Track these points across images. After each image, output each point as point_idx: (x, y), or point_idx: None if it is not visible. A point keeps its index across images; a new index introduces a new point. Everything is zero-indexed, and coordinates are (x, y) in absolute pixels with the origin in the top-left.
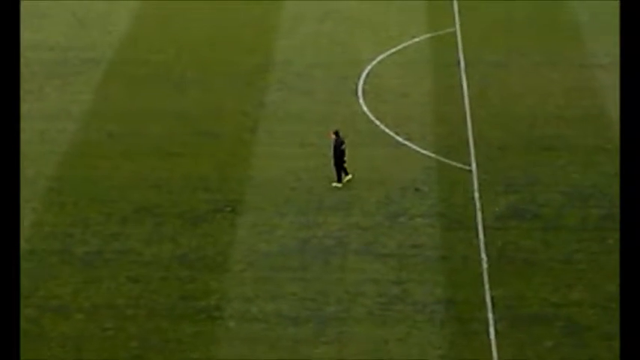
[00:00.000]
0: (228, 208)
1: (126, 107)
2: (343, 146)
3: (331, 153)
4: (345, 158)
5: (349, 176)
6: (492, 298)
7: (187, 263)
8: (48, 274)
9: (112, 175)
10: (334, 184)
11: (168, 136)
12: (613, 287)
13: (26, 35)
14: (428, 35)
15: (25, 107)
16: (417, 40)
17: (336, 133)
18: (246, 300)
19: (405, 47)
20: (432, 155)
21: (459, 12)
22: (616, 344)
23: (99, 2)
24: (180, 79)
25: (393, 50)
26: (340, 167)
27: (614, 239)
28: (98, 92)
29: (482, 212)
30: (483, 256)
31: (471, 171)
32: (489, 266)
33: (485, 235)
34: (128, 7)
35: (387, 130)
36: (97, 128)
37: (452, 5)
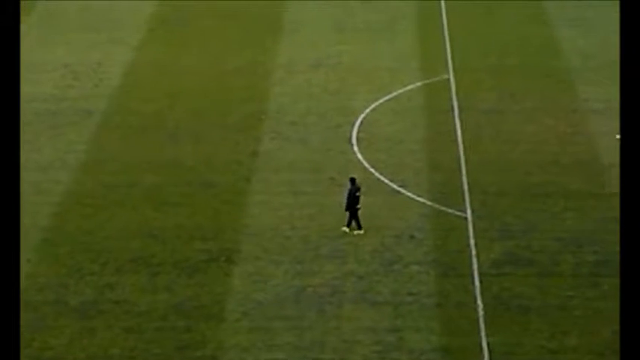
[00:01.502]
0: (223, 258)
1: (120, 157)
2: (358, 193)
3: (344, 200)
4: (359, 206)
5: (361, 231)
6: (489, 345)
7: (183, 313)
8: (43, 324)
9: (106, 225)
10: (343, 229)
11: (162, 185)
12: (608, 333)
13: (20, 87)
14: (421, 82)
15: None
16: (410, 87)
17: (352, 181)
18: (242, 349)
19: (398, 94)
20: (427, 202)
21: (452, 58)
22: None
23: (91, 54)
24: (174, 129)
25: (387, 97)
26: (352, 215)
27: (608, 285)
28: (92, 143)
29: (478, 259)
30: (479, 302)
31: (466, 218)
32: (485, 313)
33: (480, 281)
34: (120, 58)
35: (381, 178)
36: (91, 178)
37: (445, 52)
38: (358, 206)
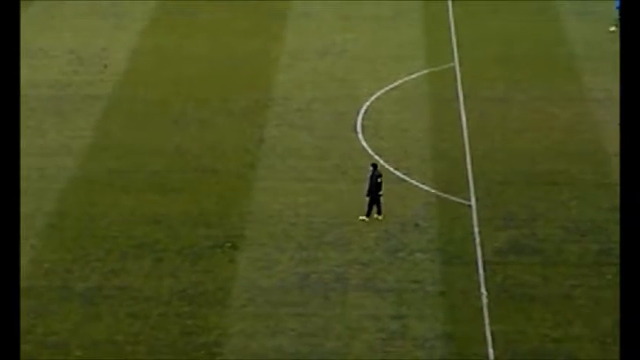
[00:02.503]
0: (229, 244)
1: (125, 143)
2: (380, 179)
3: (366, 185)
4: (381, 192)
5: (381, 217)
6: (492, 334)
7: (187, 299)
8: (47, 310)
9: (111, 211)
10: (361, 218)
11: (168, 172)
12: (611, 322)
13: (25, 72)
14: (426, 70)
15: (24, 143)
16: (415, 75)
17: (374, 166)
18: (246, 336)
19: (403, 82)
20: (432, 190)
21: (458, 47)
22: None
23: (97, 39)
24: (179, 116)
25: (392, 86)
26: (373, 200)
27: (612, 274)
28: (97, 128)
29: (482, 247)
30: (483, 290)
31: (470, 206)
32: (489, 301)
33: (485, 270)
34: (126, 44)
35: (386, 166)
36: (96, 164)
37: (450, 40)
38: (380, 192)
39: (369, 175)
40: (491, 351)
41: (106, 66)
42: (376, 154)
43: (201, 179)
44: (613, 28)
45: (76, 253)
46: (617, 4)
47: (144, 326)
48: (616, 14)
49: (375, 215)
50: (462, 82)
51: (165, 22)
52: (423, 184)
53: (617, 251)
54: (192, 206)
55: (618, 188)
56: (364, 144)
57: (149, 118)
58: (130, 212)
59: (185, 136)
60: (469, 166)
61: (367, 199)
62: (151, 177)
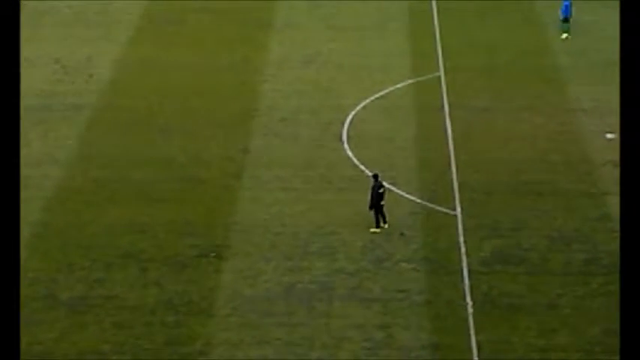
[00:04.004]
0: (213, 254)
1: (110, 153)
2: (382, 189)
3: (368, 197)
4: (383, 202)
5: (386, 225)
6: (478, 343)
7: (172, 308)
8: (32, 319)
9: (96, 221)
10: (372, 230)
11: (153, 181)
12: (597, 331)
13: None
14: (412, 80)
15: None
16: (401, 85)
17: (375, 177)
18: (231, 345)
19: (389, 92)
20: (417, 200)
21: (443, 57)
22: None
23: (82, 49)
24: (164, 125)
25: (378, 95)
26: (378, 211)
27: (597, 283)
28: (82, 138)
29: (467, 257)
30: (468, 300)
31: (455, 215)
32: (475, 311)
33: (470, 279)
34: (111, 54)
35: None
36: (81, 174)
37: (436, 50)
38: (382, 202)
39: (370, 186)
40: None
41: (91, 75)
42: (361, 163)
43: (187, 189)
44: (565, 36)
45: (61, 262)
46: (562, 13)
47: (129, 336)
48: (562, 24)
49: (382, 224)
50: (448, 92)
51: (150, 32)
52: (409, 193)
53: (603, 260)
54: (178, 216)
55: (603, 198)
56: (349, 153)
57: (134, 127)
58: (115, 222)
59: (170, 146)
60: (454, 176)
61: (371, 212)
62: (136, 186)
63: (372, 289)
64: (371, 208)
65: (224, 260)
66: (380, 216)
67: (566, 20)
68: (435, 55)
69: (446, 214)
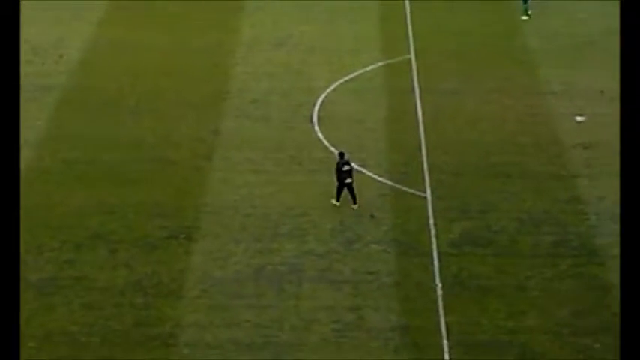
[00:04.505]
0: (183, 235)
1: (80, 134)
2: (347, 167)
3: (334, 175)
4: (350, 180)
5: (355, 206)
6: (447, 325)
7: (142, 290)
8: None
9: (66, 202)
10: (333, 202)
11: (123, 163)
12: (565, 313)
13: None
14: (382, 63)
15: None
16: (371, 67)
17: (341, 155)
18: (200, 327)
19: (359, 74)
20: (387, 182)
21: (414, 39)
22: None
23: (52, 29)
24: (134, 107)
25: (348, 77)
26: (342, 187)
27: (566, 265)
28: (52, 119)
29: (437, 238)
30: (438, 282)
31: (425, 197)
32: (444, 292)
33: (439, 261)
34: (82, 35)
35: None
36: (50, 155)
37: (406, 33)
38: (348, 180)
39: (336, 162)
40: (445, 342)
41: (61, 56)
42: (332, 145)
43: (157, 170)
44: (524, 17)
45: (30, 243)
46: None
47: (98, 317)
48: (522, 4)
49: (352, 206)
50: (418, 74)
51: (121, 14)
52: (379, 175)
53: (572, 243)
54: (148, 197)
55: (572, 180)
56: (320, 135)
57: (104, 108)
58: (84, 203)
59: (140, 127)
60: (424, 158)
61: (337, 184)
62: (106, 168)
63: (342, 271)
64: (337, 180)
65: (194, 242)
66: (345, 192)
67: (525, 1)
68: (405, 37)
69: (416, 196)
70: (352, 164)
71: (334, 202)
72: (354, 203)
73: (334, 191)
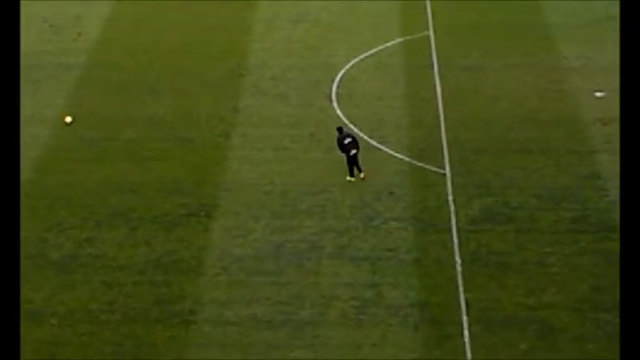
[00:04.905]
0: (203, 213)
1: (99, 112)
2: (348, 140)
3: (339, 151)
4: (355, 151)
5: (362, 175)
6: (466, 301)
7: (162, 267)
8: (22, 278)
9: (86, 180)
10: (348, 179)
11: (142, 140)
12: (585, 289)
13: None
14: (401, 39)
15: None
16: (390, 43)
17: (339, 129)
18: (220, 304)
19: (378, 51)
20: (406, 159)
21: (433, 15)
22: (589, 346)
23: (70, 7)
24: (153, 84)
25: (367, 54)
26: (351, 162)
27: (586, 241)
28: (71, 97)
29: (456, 215)
30: (457, 259)
31: (445, 174)
32: (463, 269)
33: (459, 238)
34: (99, 12)
35: (360, 134)
36: (70, 133)
37: (425, 8)
38: (353, 151)
39: (336, 137)
40: (465, 318)
41: (79, 34)
42: (351, 122)
43: (176, 148)
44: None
45: (50, 221)
46: None
47: (118, 295)
48: None
49: (357, 173)
50: (437, 51)
51: None
52: (398, 152)
53: (592, 219)
54: (167, 175)
55: (592, 156)
56: (339, 112)
57: (123, 86)
58: (104, 181)
59: (160, 105)
60: (444, 135)
61: (345, 158)
62: (126, 146)
63: (361, 248)
64: (340, 150)
65: (213, 219)
66: (354, 166)
67: None
68: (424, 13)
69: (435, 172)
70: (371, 141)
71: (349, 178)
72: (360, 171)
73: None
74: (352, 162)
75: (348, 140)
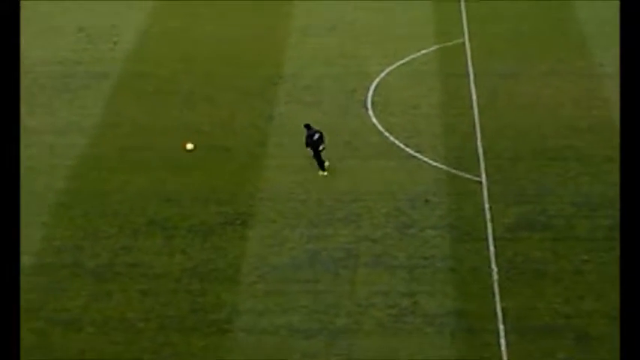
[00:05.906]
0: (239, 221)
1: (136, 121)
2: (316, 136)
3: (308, 147)
4: (323, 147)
5: (324, 173)
6: (503, 310)
7: (198, 276)
8: (58, 287)
9: (122, 189)
10: (321, 173)
11: (178, 149)
12: None
13: (35, 50)
14: (436, 46)
15: (34, 121)
16: (425, 51)
17: (306, 126)
18: (256, 313)
19: (413, 59)
20: (442, 167)
21: (468, 23)
22: None
23: (106, 17)
24: (189, 93)
25: (402, 62)
26: (318, 156)
27: None
28: (108, 106)
29: (493, 223)
30: (494, 267)
31: (480, 182)
32: (500, 277)
33: (495, 246)
34: (136, 23)
35: (396, 142)
36: (106, 142)
37: (460, 16)
38: (322, 147)
39: (305, 135)
40: (501, 327)
41: (115, 42)
42: (386, 130)
43: (212, 157)
44: None
45: (86, 230)
46: None
47: (154, 303)
48: None
49: (320, 172)
50: (472, 58)
51: (174, 2)
52: (434, 160)
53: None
54: (203, 183)
55: None
56: (374, 120)
57: (159, 95)
58: (140, 190)
59: (195, 114)
60: (479, 142)
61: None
62: (162, 154)
63: (397, 256)
64: (307, 145)
65: (249, 228)
66: (320, 160)
67: None
68: (459, 21)
69: (471, 180)
70: (407, 149)
71: (321, 172)
72: (323, 170)
73: (388, 176)
74: (320, 157)
75: (317, 136)
